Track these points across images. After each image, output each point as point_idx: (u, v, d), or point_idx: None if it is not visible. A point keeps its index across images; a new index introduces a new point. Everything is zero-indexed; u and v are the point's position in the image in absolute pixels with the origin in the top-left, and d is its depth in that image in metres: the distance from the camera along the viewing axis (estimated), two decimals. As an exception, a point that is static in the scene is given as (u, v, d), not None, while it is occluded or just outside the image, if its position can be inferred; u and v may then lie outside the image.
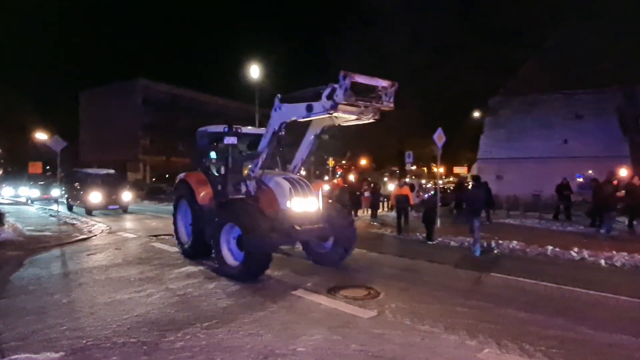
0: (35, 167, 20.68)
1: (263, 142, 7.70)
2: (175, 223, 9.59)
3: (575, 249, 9.73)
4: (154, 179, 47.43)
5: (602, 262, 9.00)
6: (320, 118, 6.86)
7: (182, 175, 9.45)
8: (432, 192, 15.58)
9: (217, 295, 6.20)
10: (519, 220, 16.54)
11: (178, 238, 9.52)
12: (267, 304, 5.76)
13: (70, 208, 20.88)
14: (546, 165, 22.53)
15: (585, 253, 9.47)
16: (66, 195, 21.87)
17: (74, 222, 15.66)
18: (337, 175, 35.93)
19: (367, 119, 6.82)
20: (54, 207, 17.83)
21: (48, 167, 35.41)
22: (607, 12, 15.49)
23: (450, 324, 5.02)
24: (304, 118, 6.81)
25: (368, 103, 6.42)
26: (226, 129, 8.21)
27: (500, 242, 10.80)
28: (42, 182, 30.55)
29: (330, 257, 8.25)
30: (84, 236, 12.03)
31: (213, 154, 9.14)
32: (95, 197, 18.87)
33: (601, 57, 16.60)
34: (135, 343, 4.40)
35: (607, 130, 21.50)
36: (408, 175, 29.42)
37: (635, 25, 14.44)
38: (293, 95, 7.05)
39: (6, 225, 12.74)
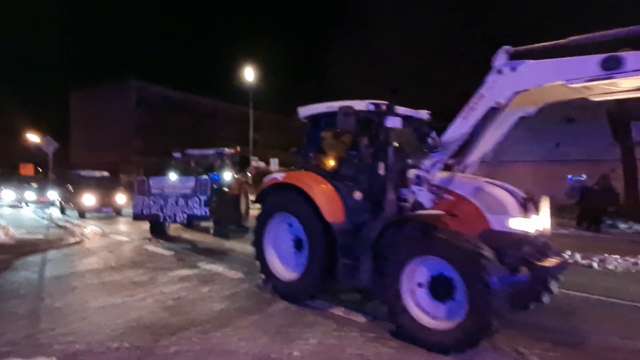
0: (27, 169, 20.52)
1: (461, 126, 4.84)
2: (262, 249, 6.40)
3: (568, 252, 9.78)
4: (147, 181, 47.08)
5: (595, 265, 9.07)
6: (550, 89, 4.45)
7: (278, 176, 6.31)
8: None
9: (211, 299, 6.16)
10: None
11: (267, 271, 6.34)
12: (262, 308, 5.73)
13: (63, 211, 20.66)
14: (538, 169, 22.75)
15: (578, 256, 9.53)
16: (59, 198, 21.66)
17: (67, 225, 15.49)
18: None
19: None
20: (49, 210, 17.62)
21: (40, 170, 35.01)
22: (600, 17, 15.70)
23: (446, 327, 5.02)
24: (590, 81, 4.05)
25: None
26: (371, 107, 5.48)
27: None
28: (36, 184, 30.24)
29: (526, 297, 5.32)
30: (77, 239, 11.89)
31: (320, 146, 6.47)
32: (88, 199, 18.65)
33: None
34: (129, 348, 4.36)
35: (598, 134, 21.71)
36: None
37: None
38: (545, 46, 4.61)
39: (-4, 228, 12.57)
